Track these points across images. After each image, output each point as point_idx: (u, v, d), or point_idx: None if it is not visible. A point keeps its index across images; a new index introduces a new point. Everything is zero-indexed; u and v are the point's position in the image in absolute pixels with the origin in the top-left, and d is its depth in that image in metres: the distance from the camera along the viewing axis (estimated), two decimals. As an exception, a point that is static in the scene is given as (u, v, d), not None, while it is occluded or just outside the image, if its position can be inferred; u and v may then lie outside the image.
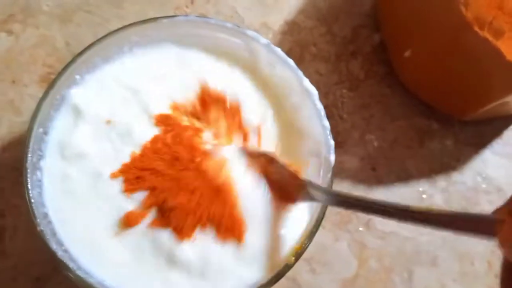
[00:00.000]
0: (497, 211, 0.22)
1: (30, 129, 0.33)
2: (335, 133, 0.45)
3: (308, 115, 0.37)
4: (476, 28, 0.37)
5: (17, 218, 0.40)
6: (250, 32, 0.38)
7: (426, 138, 0.46)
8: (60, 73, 0.34)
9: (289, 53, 0.38)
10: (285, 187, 0.34)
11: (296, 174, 0.34)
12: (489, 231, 0.21)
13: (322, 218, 0.34)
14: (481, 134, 0.47)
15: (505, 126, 0.47)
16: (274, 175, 0.35)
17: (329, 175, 0.35)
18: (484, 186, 0.46)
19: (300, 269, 0.41)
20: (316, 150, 0.37)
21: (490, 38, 0.37)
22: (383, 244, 0.43)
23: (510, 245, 0.20)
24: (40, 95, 0.34)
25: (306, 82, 0.37)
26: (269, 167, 0.35)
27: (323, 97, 0.46)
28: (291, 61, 0.38)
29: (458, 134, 0.47)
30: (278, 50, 0.38)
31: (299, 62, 0.46)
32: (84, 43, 0.36)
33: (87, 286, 0.31)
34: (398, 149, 0.46)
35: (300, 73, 0.37)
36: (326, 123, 0.36)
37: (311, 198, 0.33)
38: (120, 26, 0.37)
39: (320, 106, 0.37)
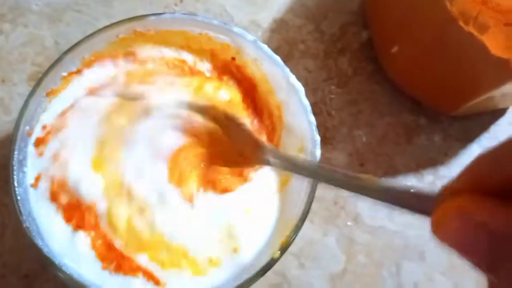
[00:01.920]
0: (442, 189, 0.19)
1: (16, 127, 0.33)
2: (324, 129, 0.46)
3: (294, 111, 0.37)
4: (461, 23, 0.37)
5: (6, 216, 0.40)
6: (237, 29, 0.38)
7: (414, 134, 0.46)
8: (46, 71, 0.35)
9: (277, 51, 0.38)
10: (244, 152, 0.34)
11: (258, 139, 0.34)
12: (426, 210, 0.19)
13: (308, 211, 0.34)
14: (468, 129, 0.47)
15: (492, 121, 0.47)
16: (236, 137, 0.35)
17: (315, 170, 0.35)
18: (472, 180, 0.46)
19: (288, 264, 0.41)
20: (302, 145, 0.37)
21: (475, 33, 0.37)
22: (371, 239, 0.43)
23: (442, 228, 0.17)
24: (29, 93, 0.34)
25: (293, 78, 0.37)
26: (233, 129, 0.35)
27: (311, 93, 0.46)
28: (278, 58, 0.38)
29: (445, 129, 0.47)
30: (265, 46, 0.38)
31: (287, 59, 0.47)
32: (73, 42, 0.37)
33: (73, 282, 0.31)
34: (386, 144, 0.46)
35: (287, 69, 0.38)
36: (312, 119, 0.36)
37: (269, 164, 0.33)
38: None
39: (306, 102, 0.37)
